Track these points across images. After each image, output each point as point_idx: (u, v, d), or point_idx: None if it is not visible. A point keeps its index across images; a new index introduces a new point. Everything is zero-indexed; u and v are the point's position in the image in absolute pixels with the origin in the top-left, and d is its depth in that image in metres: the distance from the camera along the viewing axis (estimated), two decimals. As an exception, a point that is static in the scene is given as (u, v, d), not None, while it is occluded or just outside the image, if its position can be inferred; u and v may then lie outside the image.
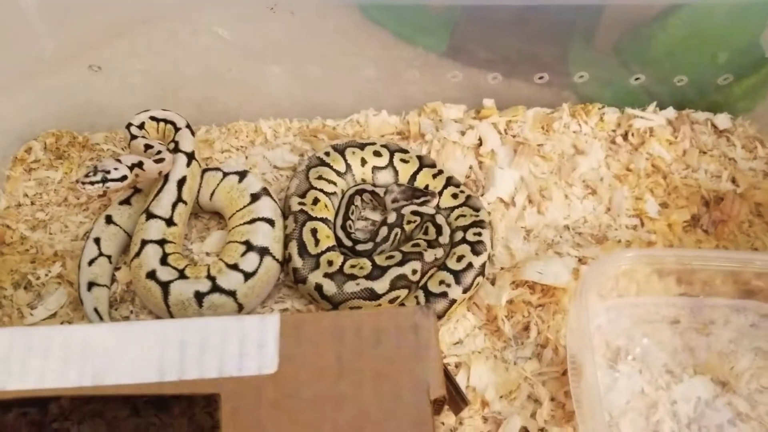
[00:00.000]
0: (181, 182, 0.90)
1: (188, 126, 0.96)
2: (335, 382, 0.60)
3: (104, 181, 0.83)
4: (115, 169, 0.85)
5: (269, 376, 0.61)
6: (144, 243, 0.86)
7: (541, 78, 1.06)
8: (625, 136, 1.08)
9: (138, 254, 0.86)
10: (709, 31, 1.05)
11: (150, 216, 0.88)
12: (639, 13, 1.05)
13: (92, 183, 0.83)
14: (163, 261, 0.85)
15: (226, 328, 0.63)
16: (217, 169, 0.96)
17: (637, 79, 1.07)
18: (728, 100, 1.13)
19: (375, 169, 1.00)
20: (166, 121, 0.97)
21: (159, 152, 0.91)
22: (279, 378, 0.60)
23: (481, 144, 1.06)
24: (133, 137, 0.93)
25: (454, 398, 0.72)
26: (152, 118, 0.97)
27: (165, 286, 0.83)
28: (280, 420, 0.59)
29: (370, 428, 0.58)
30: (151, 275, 0.84)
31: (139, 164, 0.87)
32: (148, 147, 0.91)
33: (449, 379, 0.69)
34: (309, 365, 0.61)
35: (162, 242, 0.87)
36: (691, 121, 1.09)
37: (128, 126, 0.95)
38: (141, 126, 0.96)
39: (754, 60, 1.07)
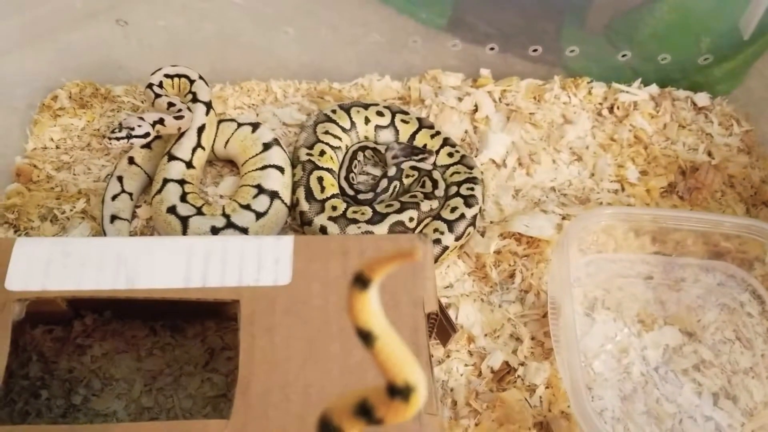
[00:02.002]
0: (201, 129, 0.98)
1: (201, 77, 1.03)
2: (341, 294, 0.68)
3: (129, 137, 0.90)
4: (139, 126, 0.91)
5: (283, 287, 0.68)
6: (166, 181, 0.93)
7: (535, 51, 1.14)
8: (610, 109, 1.16)
9: (160, 191, 0.93)
10: (693, 15, 1.13)
11: (171, 158, 0.95)
12: (630, -2, 1.13)
13: (118, 139, 0.90)
14: (183, 198, 0.92)
15: (246, 245, 0.71)
16: (232, 119, 1.03)
17: (623, 56, 1.15)
18: (708, 82, 1.21)
19: (377, 127, 1.08)
20: (179, 76, 1.04)
21: (180, 110, 0.97)
22: (292, 289, 0.68)
23: (476, 110, 1.14)
24: (157, 96, 0.99)
25: (444, 326, 0.80)
26: (166, 76, 1.03)
27: (184, 220, 0.90)
28: (292, 324, 0.66)
29: (372, 332, 0.66)
30: (172, 210, 0.91)
31: (161, 121, 0.94)
32: (170, 105, 0.98)
33: (440, 308, 0.76)
34: (319, 279, 0.69)
35: (182, 182, 0.94)
36: (673, 98, 1.18)
37: (150, 86, 1.01)
38: (160, 85, 1.02)
39: (734, 44, 1.15)
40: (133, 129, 0.90)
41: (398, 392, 0.32)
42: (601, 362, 0.92)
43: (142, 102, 1.14)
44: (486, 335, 0.91)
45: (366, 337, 0.32)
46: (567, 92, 1.17)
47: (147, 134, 0.91)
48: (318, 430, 0.34)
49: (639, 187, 1.07)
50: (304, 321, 0.66)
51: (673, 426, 0.87)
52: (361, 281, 0.33)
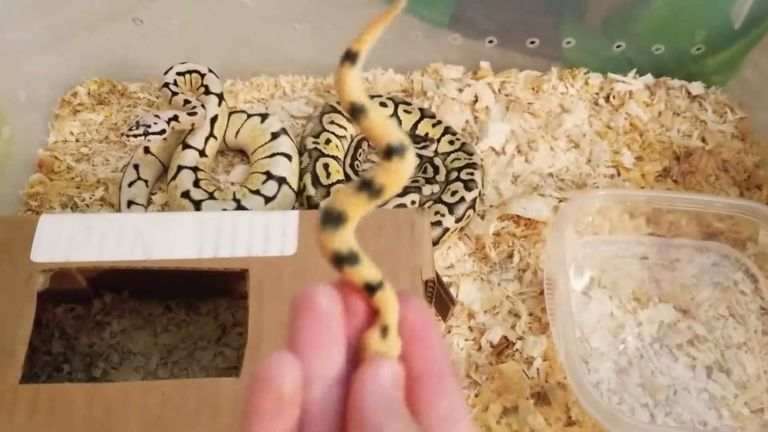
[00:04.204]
0: (214, 120, 1.03)
1: (211, 70, 1.09)
2: (343, 263, 0.72)
3: (146, 134, 0.94)
4: (155, 123, 0.96)
5: (290, 257, 0.73)
6: (180, 168, 0.99)
7: (532, 43, 1.19)
8: (606, 98, 1.20)
9: (174, 177, 0.98)
10: (688, 6, 1.17)
11: (186, 146, 1.01)
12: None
13: (135, 136, 0.94)
14: (196, 184, 0.98)
15: (254, 219, 0.75)
16: (242, 111, 1.09)
17: (618, 47, 1.19)
18: (703, 72, 1.24)
19: (381, 117, 1.12)
20: (190, 72, 1.09)
21: (194, 107, 1.02)
22: (298, 259, 0.73)
23: (476, 101, 1.18)
24: (174, 94, 1.04)
25: (443, 299, 0.84)
26: (179, 73, 1.08)
27: (197, 204, 0.95)
28: (297, 291, 0.70)
29: (372, 298, 0.70)
30: (186, 194, 0.96)
31: (175, 118, 0.98)
32: (186, 102, 1.03)
33: (439, 281, 0.81)
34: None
35: (195, 169, 0.99)
36: (667, 87, 1.21)
37: (166, 85, 1.06)
38: (174, 83, 1.07)
39: (728, 35, 1.18)
40: (149, 126, 0.95)
41: (395, 150, 0.33)
42: (598, 337, 0.95)
43: (157, 98, 1.19)
44: (485, 312, 0.95)
45: (359, 111, 0.33)
46: (564, 83, 1.21)
47: (163, 131, 0.96)
48: (321, 222, 0.34)
49: (634, 172, 1.10)
50: (309, 287, 0.71)
51: (667, 397, 0.90)
52: (350, 57, 0.33)
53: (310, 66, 1.23)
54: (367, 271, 0.35)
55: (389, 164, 0.33)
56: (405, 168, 0.33)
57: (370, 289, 0.36)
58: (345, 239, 0.34)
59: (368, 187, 0.34)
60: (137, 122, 0.95)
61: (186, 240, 0.73)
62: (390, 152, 0.33)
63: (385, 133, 0.33)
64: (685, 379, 0.92)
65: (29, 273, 0.71)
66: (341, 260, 0.35)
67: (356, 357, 0.36)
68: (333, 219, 0.34)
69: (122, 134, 0.95)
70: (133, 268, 0.72)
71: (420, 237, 0.75)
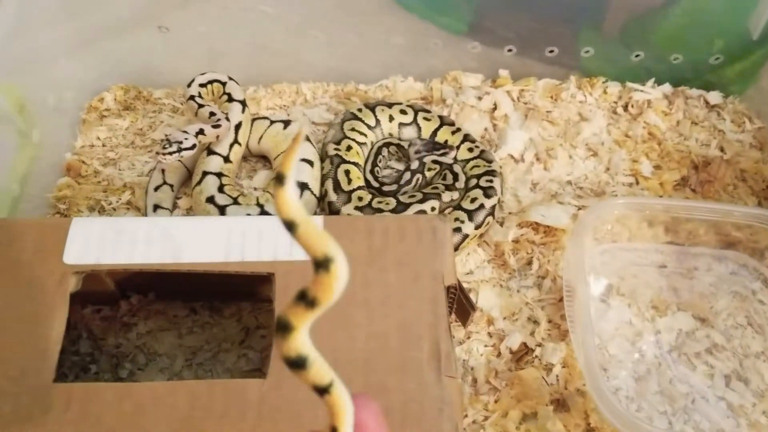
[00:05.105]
0: (238, 126, 1.05)
1: (231, 78, 1.11)
2: (366, 268, 0.74)
3: (179, 150, 0.96)
4: (186, 139, 0.97)
5: (314, 261, 0.74)
6: (205, 174, 1.01)
7: (551, 52, 1.20)
8: (625, 107, 1.21)
9: (199, 183, 1.00)
10: (706, 17, 1.18)
11: (211, 152, 1.03)
12: (645, 1, 1.17)
13: (171, 153, 0.95)
14: (220, 189, 0.99)
15: (280, 224, 0.77)
16: (265, 117, 1.11)
17: (637, 56, 1.20)
18: (721, 82, 1.25)
19: (401, 125, 1.14)
20: (211, 82, 1.11)
21: (218, 119, 1.03)
22: (322, 263, 0.74)
23: (495, 108, 1.19)
24: (200, 106, 1.05)
25: (463, 305, 0.85)
26: (201, 85, 1.10)
27: (222, 209, 0.97)
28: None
29: (394, 303, 0.71)
30: (211, 200, 0.98)
31: (201, 131, 1.00)
32: (211, 114, 1.04)
33: (459, 287, 0.82)
34: (345, 254, 0.74)
35: (219, 175, 1.01)
36: (686, 96, 1.22)
37: (192, 98, 1.07)
38: (199, 95, 1.09)
39: (746, 45, 1.19)
40: (181, 143, 0.96)
41: (319, 264, 0.34)
42: (616, 345, 0.96)
43: (181, 104, 1.21)
44: (505, 318, 0.96)
45: (290, 226, 0.35)
46: (583, 91, 1.22)
47: (194, 146, 0.97)
48: (276, 330, 0.36)
49: (653, 181, 1.11)
50: (333, 292, 0.72)
51: (685, 405, 0.91)
52: (279, 180, 0.35)
53: (330, 73, 1.25)
54: (314, 375, 0.37)
55: (317, 277, 0.35)
56: (331, 281, 0.35)
57: (319, 391, 0.38)
58: (293, 346, 0.36)
59: (303, 299, 0.36)
60: (168, 140, 0.96)
61: (213, 243, 0.75)
62: (317, 266, 0.35)
63: (314, 246, 0.35)
64: (703, 388, 0.92)
65: (62, 275, 0.73)
66: (291, 365, 0.37)
67: None
68: (282, 328, 0.36)
69: (157, 153, 0.97)
70: (162, 271, 0.74)
71: (442, 243, 0.76)
